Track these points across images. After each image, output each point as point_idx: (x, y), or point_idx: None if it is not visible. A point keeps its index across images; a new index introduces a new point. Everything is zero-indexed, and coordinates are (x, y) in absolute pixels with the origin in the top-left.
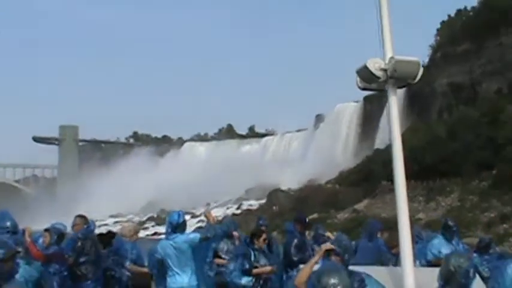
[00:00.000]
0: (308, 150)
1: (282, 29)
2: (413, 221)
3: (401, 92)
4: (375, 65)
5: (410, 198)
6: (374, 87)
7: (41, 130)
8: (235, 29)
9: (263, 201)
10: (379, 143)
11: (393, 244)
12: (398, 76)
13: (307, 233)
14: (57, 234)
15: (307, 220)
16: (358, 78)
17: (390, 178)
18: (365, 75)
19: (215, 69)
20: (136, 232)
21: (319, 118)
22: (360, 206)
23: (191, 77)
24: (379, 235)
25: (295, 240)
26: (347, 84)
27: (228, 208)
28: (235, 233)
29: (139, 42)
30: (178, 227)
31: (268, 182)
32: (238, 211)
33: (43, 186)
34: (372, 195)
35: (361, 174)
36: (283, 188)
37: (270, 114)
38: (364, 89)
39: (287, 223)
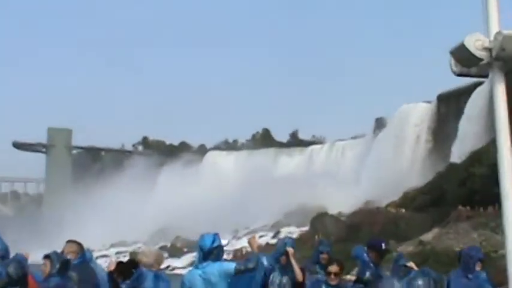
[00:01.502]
0: (364, 163)
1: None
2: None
3: None
4: (476, 43)
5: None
6: (474, 73)
7: (24, 134)
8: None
9: (305, 228)
10: (456, 156)
11: (501, 281)
12: (506, 57)
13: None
14: (60, 262)
15: (384, 246)
16: (453, 61)
17: (467, 202)
18: (462, 56)
19: (248, 58)
20: (159, 261)
21: (379, 123)
22: (427, 236)
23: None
24: (478, 267)
25: (368, 274)
26: (416, 80)
27: (261, 236)
28: (289, 249)
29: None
30: (210, 253)
31: (313, 204)
32: (274, 240)
33: (25, 205)
34: (443, 223)
35: (430, 196)
36: (332, 211)
37: (316, 118)
38: (460, 74)
39: (357, 248)
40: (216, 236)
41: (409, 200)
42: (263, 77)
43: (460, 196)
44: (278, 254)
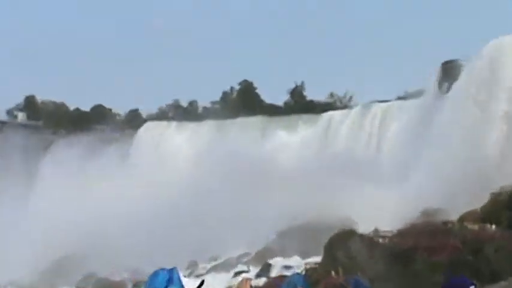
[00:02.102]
0: (420, 143)
1: None
2: None
3: None
4: None
5: None
6: None
7: None
8: None
9: (316, 258)
10: None
11: None
12: None
13: None
14: None
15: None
16: None
17: None
18: None
19: None
20: None
21: (448, 71)
22: None
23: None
24: None
25: None
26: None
27: (237, 274)
28: None
29: None
30: None
31: (329, 215)
32: (262, 281)
33: None
34: None
35: None
36: (363, 228)
37: (335, 64)
38: None
39: None
40: (173, 273)
41: (501, 208)
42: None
43: None
44: None
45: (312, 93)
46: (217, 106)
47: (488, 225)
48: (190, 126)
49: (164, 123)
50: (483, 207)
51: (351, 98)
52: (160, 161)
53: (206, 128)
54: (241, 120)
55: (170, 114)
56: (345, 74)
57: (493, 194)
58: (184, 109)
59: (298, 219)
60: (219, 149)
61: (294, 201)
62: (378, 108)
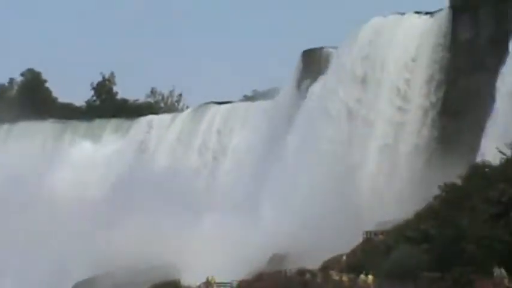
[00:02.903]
0: (272, 159)
1: None
2: None
3: None
4: None
5: None
6: None
7: None
8: None
9: None
10: (490, 143)
11: None
12: None
13: None
14: None
15: None
16: None
17: None
18: None
19: None
20: None
21: (309, 61)
22: None
23: None
24: None
25: None
26: None
27: None
28: None
29: None
30: None
31: (142, 262)
32: None
33: None
34: None
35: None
36: (193, 278)
37: (159, 54)
38: None
39: None
40: None
41: (377, 252)
42: None
43: None
44: None
45: (126, 90)
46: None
47: (362, 276)
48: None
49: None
50: (353, 252)
51: (180, 97)
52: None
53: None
54: (23, 126)
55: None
56: (172, 67)
57: (367, 233)
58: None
59: (92, 271)
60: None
61: (87, 243)
62: (216, 111)
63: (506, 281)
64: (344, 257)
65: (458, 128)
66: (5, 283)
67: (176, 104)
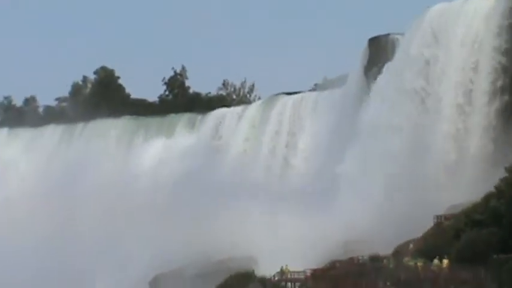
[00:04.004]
0: (343, 148)
1: None
2: None
3: None
4: None
5: None
6: None
7: None
8: None
9: None
10: None
11: None
12: None
13: None
14: None
15: None
16: None
17: None
18: None
19: None
20: None
21: (377, 48)
22: None
23: None
24: None
25: None
26: None
27: None
28: None
29: None
30: None
31: (218, 253)
32: None
33: None
34: None
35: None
36: (267, 268)
37: (228, 47)
38: None
39: None
40: None
41: (448, 236)
42: None
43: None
44: None
45: (199, 84)
46: (64, 104)
47: (436, 261)
48: (27, 134)
49: None
50: (424, 237)
51: (252, 88)
52: None
53: (49, 135)
54: (97, 124)
55: None
56: (244, 59)
57: (437, 217)
58: (19, 110)
59: (176, 262)
60: (66, 165)
61: (170, 236)
62: (286, 102)
63: None
64: (414, 243)
65: None
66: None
67: (248, 95)
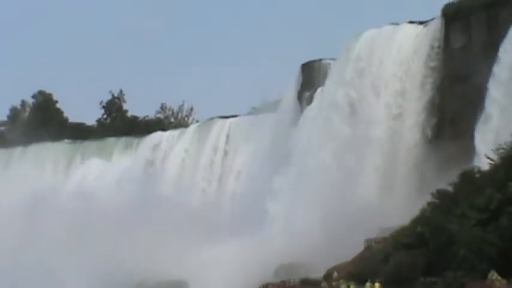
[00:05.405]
0: (277, 172)
1: None
2: None
3: None
4: None
5: None
6: None
7: None
8: None
9: None
10: (485, 145)
11: None
12: None
13: None
14: None
15: None
16: None
17: None
18: None
19: None
20: None
21: (309, 72)
22: None
23: None
24: None
25: None
26: None
27: None
28: None
29: None
30: None
31: (153, 275)
32: None
33: None
34: None
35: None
36: None
37: (165, 71)
38: None
39: None
40: None
41: (378, 259)
42: None
43: None
44: None
45: (136, 108)
46: (2, 128)
47: (368, 284)
48: None
49: None
50: (354, 260)
51: (190, 111)
52: None
53: None
54: (36, 148)
55: None
56: (181, 82)
57: (367, 241)
58: None
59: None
60: (3, 191)
61: (102, 259)
62: (221, 125)
63: (497, 283)
64: (345, 266)
65: (454, 134)
66: None
67: (186, 118)
